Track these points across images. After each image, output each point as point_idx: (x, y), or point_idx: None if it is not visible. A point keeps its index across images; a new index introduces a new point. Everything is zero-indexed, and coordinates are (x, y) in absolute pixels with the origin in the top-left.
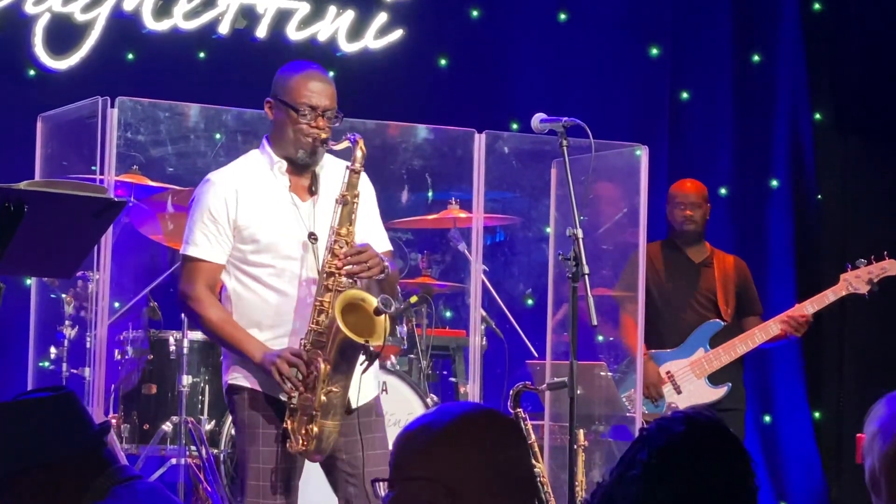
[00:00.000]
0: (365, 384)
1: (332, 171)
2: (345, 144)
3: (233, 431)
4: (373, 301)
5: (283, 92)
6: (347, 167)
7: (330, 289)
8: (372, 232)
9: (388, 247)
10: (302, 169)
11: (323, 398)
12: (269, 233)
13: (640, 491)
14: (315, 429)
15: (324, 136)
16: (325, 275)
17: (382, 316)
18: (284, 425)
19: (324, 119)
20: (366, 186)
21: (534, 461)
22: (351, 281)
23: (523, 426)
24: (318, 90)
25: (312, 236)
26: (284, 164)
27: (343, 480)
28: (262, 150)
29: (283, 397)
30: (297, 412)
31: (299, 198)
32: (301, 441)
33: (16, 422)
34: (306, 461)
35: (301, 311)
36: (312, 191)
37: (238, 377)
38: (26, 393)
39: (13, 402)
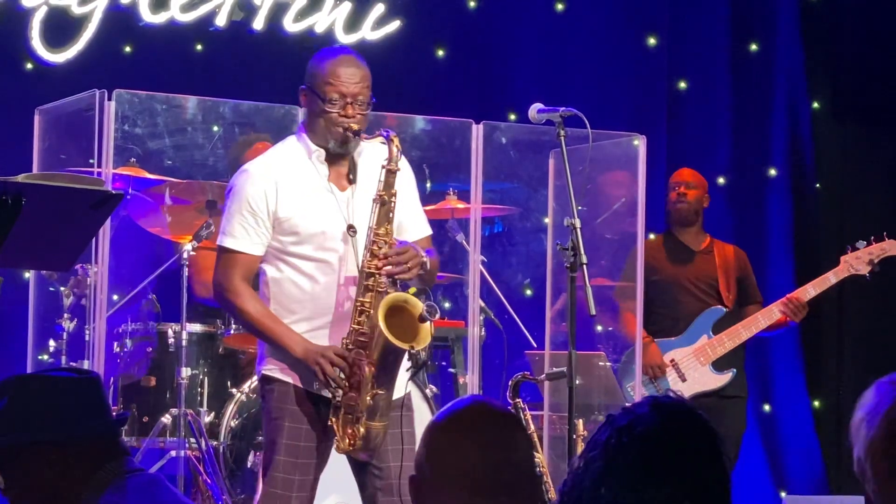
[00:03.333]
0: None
1: (370, 156)
2: (378, 140)
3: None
4: (417, 303)
5: (312, 80)
6: (383, 166)
7: (370, 289)
8: (411, 216)
9: (428, 231)
10: (338, 157)
11: (369, 400)
12: (309, 224)
13: (601, 469)
14: (362, 430)
15: (355, 126)
16: (364, 275)
17: (427, 323)
18: (329, 422)
19: (353, 107)
20: (405, 170)
21: (534, 451)
22: (390, 281)
23: (522, 416)
24: (346, 77)
25: (351, 229)
26: (322, 152)
27: (371, 475)
28: (300, 137)
29: (327, 394)
30: (340, 410)
31: (338, 187)
32: (348, 441)
33: (35, 396)
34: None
35: (338, 303)
36: (350, 179)
37: (273, 368)
38: (55, 369)
39: (39, 375)
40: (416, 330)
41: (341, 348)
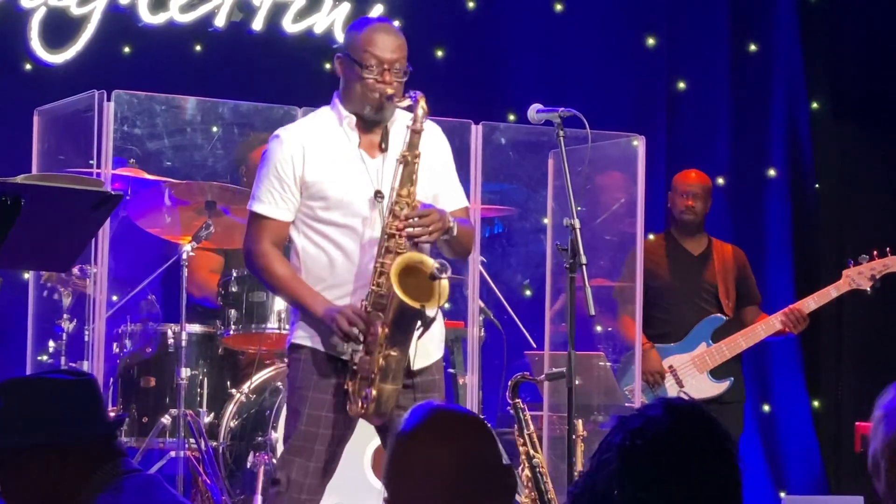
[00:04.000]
0: (423, 347)
1: (402, 125)
2: (406, 102)
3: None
4: (431, 263)
5: (350, 47)
6: (407, 126)
7: (391, 250)
8: (447, 186)
9: (464, 203)
10: (372, 125)
11: (382, 361)
12: (337, 189)
13: (615, 472)
14: (374, 392)
15: (390, 91)
16: (385, 236)
17: (438, 280)
18: (345, 386)
19: (391, 73)
20: (440, 142)
21: (534, 452)
22: (411, 243)
23: (521, 416)
24: (384, 44)
25: (379, 194)
26: (353, 119)
27: None
28: (333, 106)
29: (345, 356)
30: (357, 374)
31: (368, 154)
32: (360, 404)
33: (31, 398)
34: (360, 430)
35: (364, 270)
36: (382, 147)
37: (302, 335)
38: (51, 371)
39: (35, 378)
40: (430, 290)
41: (359, 307)
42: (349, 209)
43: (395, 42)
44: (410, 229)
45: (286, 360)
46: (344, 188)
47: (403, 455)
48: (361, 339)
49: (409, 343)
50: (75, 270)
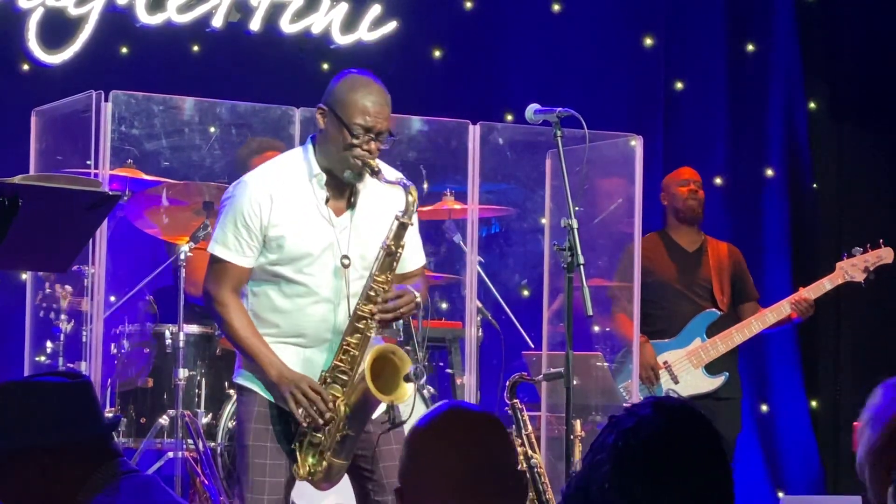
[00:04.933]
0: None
1: (373, 187)
2: (396, 188)
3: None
4: (405, 358)
5: (339, 106)
6: (397, 217)
7: (359, 331)
8: (411, 250)
9: (423, 262)
10: (342, 184)
11: (337, 437)
12: (299, 245)
13: (609, 473)
14: (325, 464)
15: (372, 164)
16: (356, 317)
17: (409, 382)
18: (293, 447)
19: (376, 142)
20: (402, 200)
21: (532, 452)
22: (380, 327)
23: (520, 417)
24: (375, 112)
25: (346, 259)
26: (324, 176)
27: (363, 477)
28: (305, 153)
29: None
30: (305, 438)
31: (335, 212)
32: (308, 469)
33: (26, 402)
34: None
35: (315, 328)
36: (350, 205)
37: (248, 378)
38: (46, 374)
39: (29, 382)
40: (397, 384)
41: (317, 382)
42: (304, 267)
43: (386, 110)
44: (384, 315)
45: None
46: (306, 245)
47: (418, 450)
48: (315, 416)
49: (365, 424)
50: (69, 288)
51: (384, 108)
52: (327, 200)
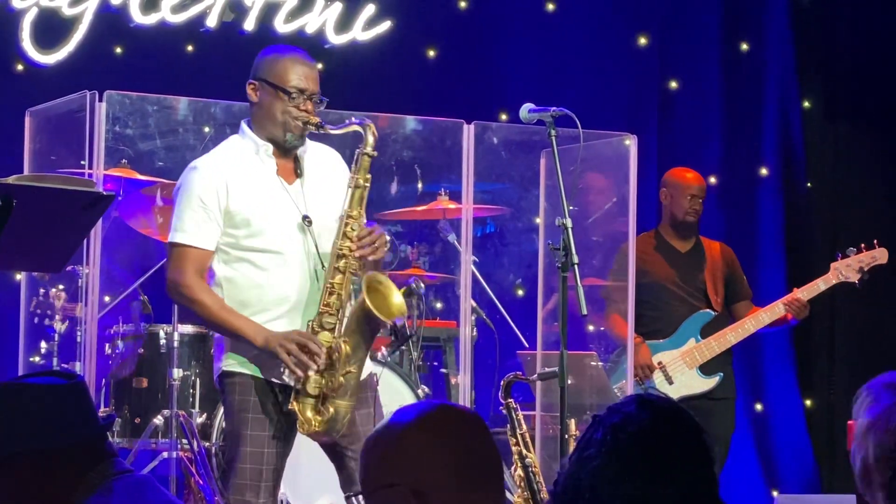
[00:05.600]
0: None
1: (314, 152)
2: (353, 128)
3: (224, 424)
4: (389, 283)
5: (270, 74)
6: (360, 151)
7: (341, 270)
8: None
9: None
10: (286, 152)
11: (341, 379)
12: (262, 217)
13: (600, 468)
14: (331, 409)
15: (314, 120)
16: (336, 256)
17: (400, 297)
18: (291, 407)
19: (311, 103)
20: (335, 161)
21: (526, 451)
22: (361, 262)
23: (514, 416)
24: (305, 74)
25: (307, 219)
26: (270, 147)
27: (347, 458)
28: (243, 134)
29: (290, 380)
30: (302, 394)
31: (286, 181)
32: (314, 423)
33: (18, 405)
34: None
35: (294, 293)
36: (297, 173)
37: (233, 363)
38: (39, 374)
39: (21, 384)
40: (389, 307)
41: (306, 332)
42: (275, 235)
43: (314, 73)
44: (362, 249)
45: (219, 388)
46: (268, 215)
47: (412, 446)
48: (313, 364)
49: (364, 360)
50: (63, 295)
51: (313, 70)
52: (277, 170)
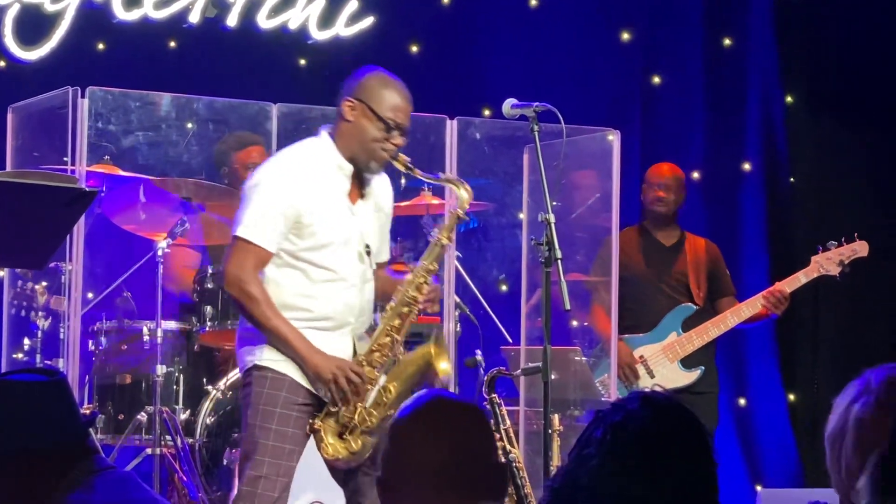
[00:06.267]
0: None
1: (376, 181)
2: (445, 183)
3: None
4: (445, 349)
5: (372, 100)
6: (453, 211)
7: (402, 317)
8: (386, 241)
9: (388, 256)
10: (359, 175)
11: (376, 422)
12: (327, 234)
13: (597, 467)
14: (359, 442)
15: (403, 158)
16: (403, 302)
17: (448, 365)
18: (316, 426)
19: (401, 138)
20: (389, 193)
21: (510, 447)
22: (417, 314)
23: (498, 411)
24: (405, 109)
25: (367, 247)
26: (350, 168)
27: (359, 472)
28: (325, 144)
29: (324, 398)
30: (331, 417)
31: (351, 202)
32: (339, 450)
33: (1, 404)
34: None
35: (342, 314)
36: (360, 195)
37: (270, 359)
38: (20, 371)
39: (3, 382)
40: (438, 370)
41: (357, 366)
42: (334, 255)
43: (410, 108)
44: (427, 303)
45: (246, 379)
46: (333, 233)
47: (401, 438)
48: (361, 403)
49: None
50: (44, 282)
51: (410, 105)
52: (347, 191)
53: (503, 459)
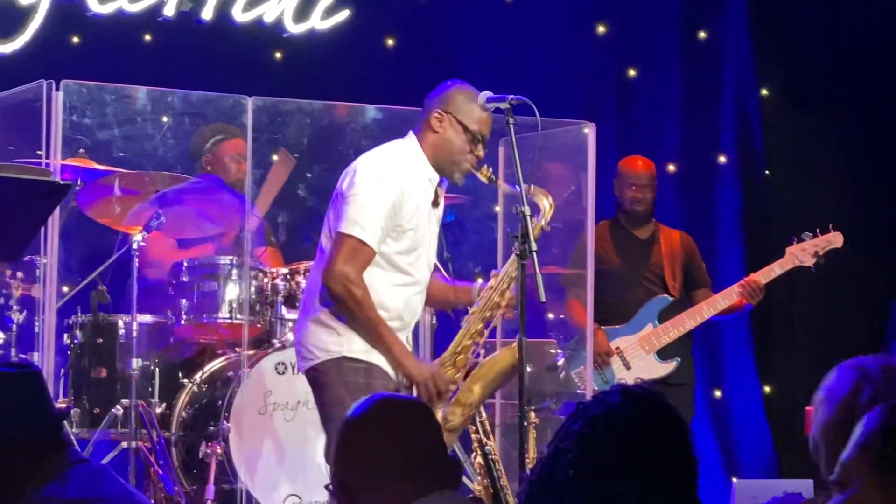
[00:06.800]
0: None
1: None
2: (536, 197)
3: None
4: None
5: (462, 113)
6: (536, 221)
7: (486, 321)
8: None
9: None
10: (439, 182)
11: (460, 420)
12: (417, 239)
13: (574, 460)
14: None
15: (486, 171)
16: (487, 309)
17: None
18: None
19: (484, 149)
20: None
21: (486, 439)
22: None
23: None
24: (488, 122)
25: (448, 258)
26: (437, 177)
27: None
28: (416, 150)
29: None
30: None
31: (433, 210)
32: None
33: None
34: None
35: (411, 315)
36: (436, 203)
37: (360, 352)
38: None
39: None
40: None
41: (447, 379)
42: (418, 258)
43: (491, 119)
44: (508, 309)
45: (325, 368)
46: (422, 238)
47: (355, 440)
48: (441, 409)
49: (476, 409)
50: (20, 273)
51: (491, 117)
52: (431, 200)
53: (478, 453)
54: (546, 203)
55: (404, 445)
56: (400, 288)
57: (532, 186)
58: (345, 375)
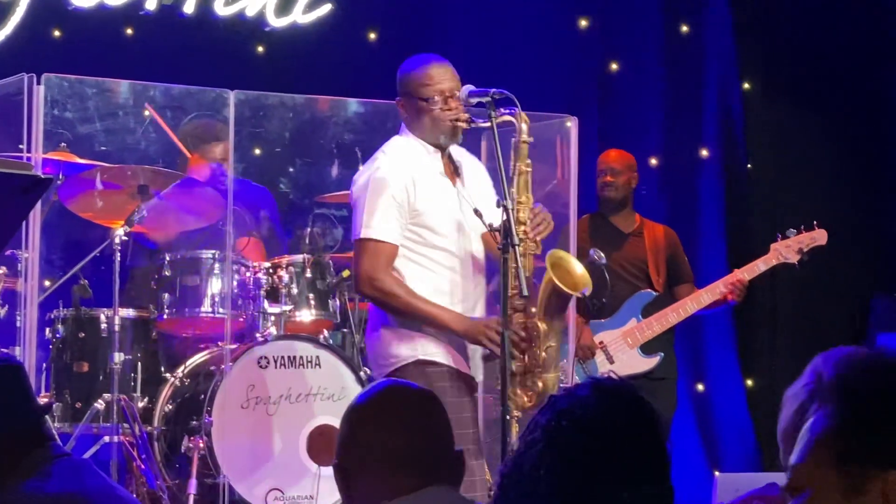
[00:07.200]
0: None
1: (457, 153)
2: (504, 119)
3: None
4: (569, 257)
5: (409, 87)
6: (517, 140)
7: (523, 254)
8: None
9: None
10: (441, 153)
11: (544, 354)
12: (442, 216)
13: (541, 453)
14: (539, 384)
15: (463, 117)
16: (516, 241)
17: (582, 268)
18: (498, 386)
19: (454, 100)
20: (474, 162)
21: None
22: (538, 242)
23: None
24: (440, 75)
25: (478, 212)
26: (433, 148)
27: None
28: (408, 136)
29: (477, 377)
30: (515, 376)
31: (451, 181)
32: (525, 399)
33: None
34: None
35: (466, 287)
36: (455, 173)
37: (434, 352)
38: None
39: None
40: (574, 280)
41: (498, 319)
42: (451, 233)
43: (448, 71)
44: (537, 229)
45: (402, 375)
46: (447, 214)
47: (358, 425)
48: (521, 345)
49: (560, 332)
50: (1, 268)
51: (446, 70)
52: (443, 170)
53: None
54: (523, 124)
55: (406, 435)
56: (440, 265)
57: (500, 111)
58: (420, 380)
